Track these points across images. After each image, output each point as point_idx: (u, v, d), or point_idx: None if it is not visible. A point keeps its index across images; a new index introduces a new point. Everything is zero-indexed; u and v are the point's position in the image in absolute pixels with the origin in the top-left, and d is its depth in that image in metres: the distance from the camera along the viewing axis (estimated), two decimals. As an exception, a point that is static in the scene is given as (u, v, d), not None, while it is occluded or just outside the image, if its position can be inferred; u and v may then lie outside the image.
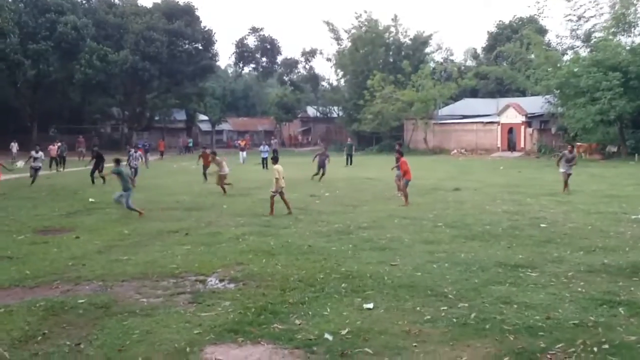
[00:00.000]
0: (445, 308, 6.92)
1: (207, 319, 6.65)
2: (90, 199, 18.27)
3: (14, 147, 40.84)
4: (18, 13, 51.54)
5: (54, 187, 22.48)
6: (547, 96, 45.88)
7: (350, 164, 34.37)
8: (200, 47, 63.94)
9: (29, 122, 56.40)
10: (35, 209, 16.31)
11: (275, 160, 16.20)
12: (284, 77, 78.39)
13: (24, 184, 23.26)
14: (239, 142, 51.29)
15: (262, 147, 36.77)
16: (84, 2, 62.66)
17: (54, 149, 33.39)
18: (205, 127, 79.04)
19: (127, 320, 6.62)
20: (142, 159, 28.43)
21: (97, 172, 24.22)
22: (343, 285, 7.97)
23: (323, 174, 25.16)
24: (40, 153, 24.75)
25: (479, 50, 78.88)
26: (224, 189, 20.02)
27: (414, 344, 5.79)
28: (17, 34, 48.85)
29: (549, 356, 5.52)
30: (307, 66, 77.94)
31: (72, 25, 52.80)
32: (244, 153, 40.67)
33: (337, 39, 67.60)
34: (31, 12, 53.72)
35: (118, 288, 8.08)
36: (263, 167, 33.88)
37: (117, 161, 16.04)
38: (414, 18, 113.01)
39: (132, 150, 27.39)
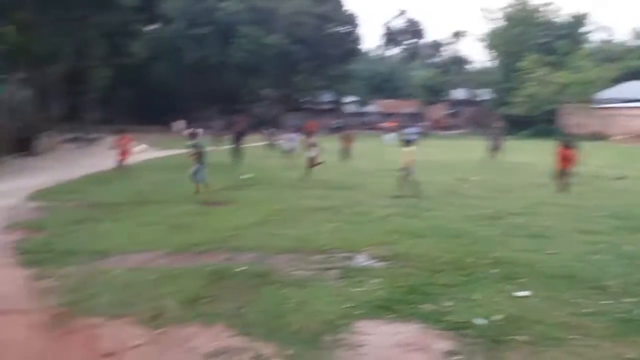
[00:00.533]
0: (608, 302, 6.52)
1: (356, 294, 6.82)
2: (246, 175, 19.29)
3: (180, 126, 43.09)
4: (182, 1, 55.47)
5: (213, 164, 23.97)
6: None
7: (498, 150, 32.94)
8: (347, 30, 64.69)
9: (191, 102, 60.65)
10: (197, 183, 17.55)
11: (408, 142, 16.08)
12: (430, 60, 77.03)
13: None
14: (387, 124, 51.11)
15: (408, 130, 36.41)
16: (239, -13, 65.87)
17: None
18: (352, 108, 79.95)
19: (283, 290, 6.98)
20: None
21: (238, 148, 24.73)
22: (494, 271, 7.78)
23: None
24: (200, 130, 25.16)
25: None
26: (310, 169, 18.98)
27: (573, 336, 5.55)
28: (181, 20, 52.57)
29: None
30: (455, 48, 75.95)
31: (229, 11, 55.79)
32: (392, 135, 40.58)
33: (489, 19, 65.09)
34: (192, 0, 57.54)
35: (273, 259, 8.52)
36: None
37: (193, 134, 16.54)
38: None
39: (286, 133, 27.75)
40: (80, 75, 31.67)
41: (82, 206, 13.25)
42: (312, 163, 18.64)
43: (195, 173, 15.83)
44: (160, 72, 62.17)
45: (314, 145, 18.42)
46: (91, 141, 34.68)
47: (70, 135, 38.75)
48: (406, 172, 15.30)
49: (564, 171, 16.11)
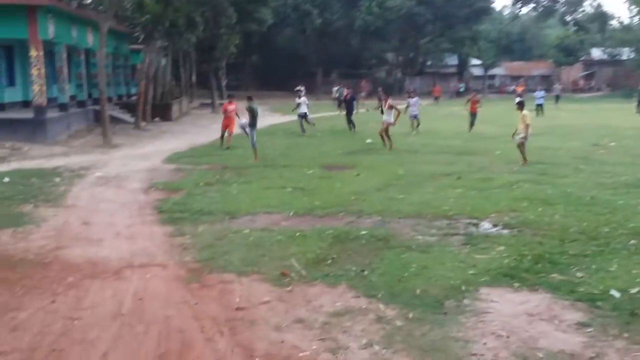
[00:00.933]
0: None
1: (481, 261, 6.69)
2: (368, 140, 19.34)
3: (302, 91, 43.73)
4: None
5: (334, 128, 24.30)
6: None
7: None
8: (477, -12, 61.87)
9: (314, 67, 61.36)
10: (320, 147, 17.91)
11: (521, 105, 14.61)
12: (567, 17, 71.90)
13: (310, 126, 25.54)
14: (516, 87, 48.46)
15: (537, 93, 34.42)
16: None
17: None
18: (478, 71, 77.06)
19: (405, 254, 7.00)
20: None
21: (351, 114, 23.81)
22: (632, 242, 7.31)
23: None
24: (304, 98, 23.18)
25: None
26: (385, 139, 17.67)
27: None
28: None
29: None
30: (594, 3, 70.38)
31: (355, -26, 55.41)
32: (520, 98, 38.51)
33: (635, -30, 59.52)
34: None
35: (395, 224, 8.54)
36: (537, 114, 31.61)
37: (250, 98, 16.18)
38: None
39: (410, 97, 26.83)
40: (211, 42, 32.99)
41: (214, 169, 13.99)
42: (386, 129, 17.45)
43: (244, 128, 16.32)
44: (285, 38, 63.37)
45: (393, 108, 17.17)
46: (220, 107, 36.30)
47: (202, 101, 40.79)
48: (522, 138, 14.05)
49: None
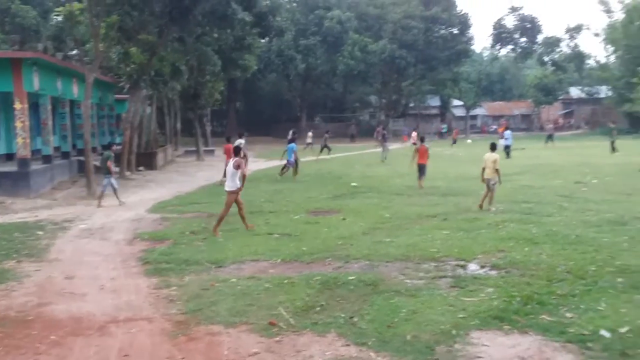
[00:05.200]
0: None
1: (470, 304, 6.66)
2: (353, 184, 19.41)
3: (309, 136, 42.49)
4: (292, 12, 56.98)
5: (320, 172, 24.40)
6: None
7: (614, 151, 30.83)
8: (456, 32, 63.25)
9: (298, 112, 62.00)
10: (306, 192, 17.92)
11: (493, 147, 14.19)
12: (544, 57, 73.55)
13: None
14: (498, 128, 48.70)
15: (505, 133, 32.95)
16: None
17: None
18: (459, 112, 78.25)
19: (394, 299, 6.95)
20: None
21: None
22: (619, 280, 7.33)
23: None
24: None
25: None
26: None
27: None
28: (292, 31, 53.89)
29: None
30: (571, 44, 72.04)
31: (337, 20, 56.61)
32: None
33: (608, 11, 61.41)
34: (302, 10, 58.96)
35: (383, 268, 8.51)
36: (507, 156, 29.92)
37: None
38: None
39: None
40: (196, 90, 33.31)
41: (200, 217, 13.91)
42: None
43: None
44: (269, 83, 64.21)
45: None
46: (206, 154, 36.32)
47: (187, 149, 40.86)
48: (494, 184, 13.72)
49: None
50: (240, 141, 21.07)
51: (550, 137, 40.52)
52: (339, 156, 34.29)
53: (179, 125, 44.48)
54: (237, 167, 11.48)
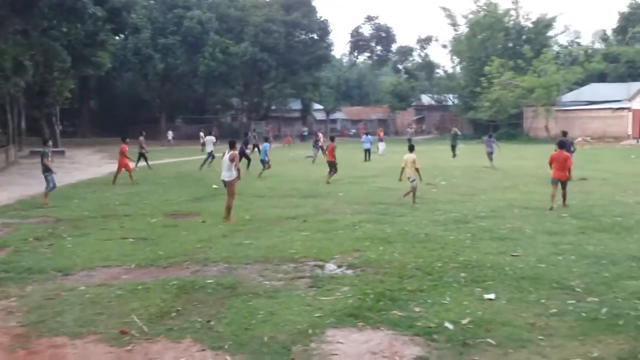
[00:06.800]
0: (573, 302, 6.63)
1: (327, 303, 6.79)
2: (214, 186, 19.11)
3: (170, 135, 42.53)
4: (149, 9, 55.01)
5: (180, 174, 23.81)
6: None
7: (454, 156, 33.27)
8: (316, 37, 64.87)
9: (157, 112, 60.06)
10: (165, 194, 17.38)
11: (411, 149, 15.61)
12: (398, 65, 77.70)
13: (154, 172, 24.79)
14: (378, 132, 49.83)
15: (363, 138, 34.27)
16: (208, -4, 65.67)
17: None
18: (320, 116, 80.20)
19: (252, 301, 6.91)
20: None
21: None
22: (462, 274, 7.85)
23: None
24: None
25: (609, 32, 73.93)
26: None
27: (540, 337, 5.61)
28: (149, 29, 52.07)
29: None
30: (422, 53, 76.74)
31: (198, 20, 55.60)
32: (383, 143, 39.95)
33: (454, 24, 66.06)
34: (161, 8, 57.16)
35: (242, 270, 8.45)
36: (365, 159, 31.72)
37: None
38: (537, 0, 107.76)
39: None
40: (42, 87, 31.08)
41: (46, 222, 12.96)
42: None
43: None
44: (126, 83, 61.63)
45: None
46: (55, 155, 34.02)
47: (33, 149, 37.99)
48: (414, 182, 14.86)
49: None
50: (211, 138, 27.73)
51: (409, 142, 42.58)
52: (200, 158, 33.65)
53: (23, 124, 41.27)
54: (232, 160, 12.85)
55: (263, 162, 23.34)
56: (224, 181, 12.96)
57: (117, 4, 31.52)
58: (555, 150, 14.24)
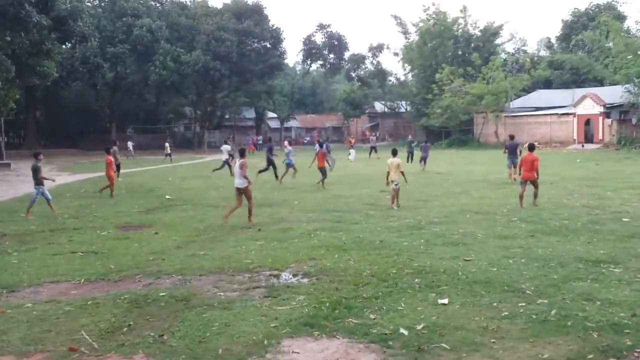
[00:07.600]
0: (524, 304, 6.76)
1: (282, 313, 6.75)
2: (167, 196, 18.86)
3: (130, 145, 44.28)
4: (97, 18, 53.89)
5: (132, 185, 23.37)
6: (627, 85, 43.94)
7: (411, 162, 33.79)
8: (269, 46, 64.79)
9: (108, 122, 58.85)
10: (116, 206, 17.01)
11: (395, 153, 15.88)
12: (352, 73, 78.30)
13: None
14: (349, 139, 50.00)
15: (286, 150, 34.31)
16: (157, 5, 64.77)
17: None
18: (274, 124, 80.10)
19: (206, 313, 6.81)
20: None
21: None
22: (416, 280, 7.92)
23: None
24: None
25: (553, 40, 76.39)
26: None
27: (492, 340, 5.69)
28: (97, 38, 51.03)
29: (635, 354, 5.32)
30: (375, 61, 77.59)
31: (147, 28, 54.76)
32: (353, 150, 40.30)
33: (405, 33, 67.10)
34: (109, 17, 56.10)
35: (196, 282, 8.32)
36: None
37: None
38: (485, 8, 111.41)
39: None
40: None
41: (-10, 237, 12.50)
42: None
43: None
44: (74, 93, 60.13)
45: None
46: None
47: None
48: (397, 185, 15.29)
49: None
50: (226, 147, 28.86)
51: (373, 149, 42.95)
52: (151, 169, 33.13)
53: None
54: (241, 167, 13.56)
55: (289, 165, 24.31)
56: (238, 188, 13.60)
57: (62, 12, 30.82)
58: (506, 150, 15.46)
